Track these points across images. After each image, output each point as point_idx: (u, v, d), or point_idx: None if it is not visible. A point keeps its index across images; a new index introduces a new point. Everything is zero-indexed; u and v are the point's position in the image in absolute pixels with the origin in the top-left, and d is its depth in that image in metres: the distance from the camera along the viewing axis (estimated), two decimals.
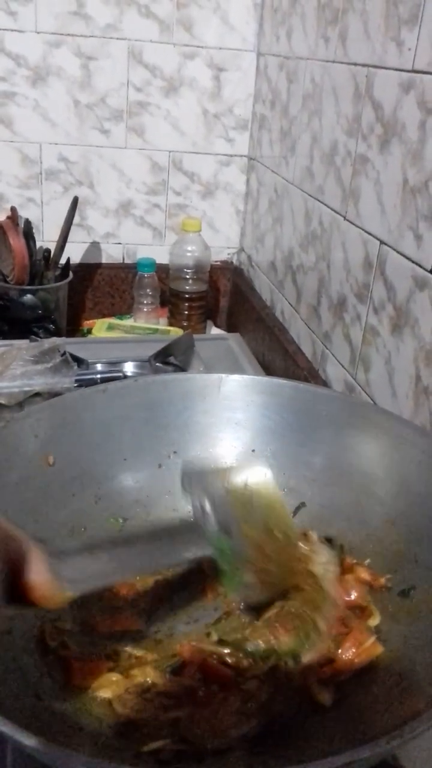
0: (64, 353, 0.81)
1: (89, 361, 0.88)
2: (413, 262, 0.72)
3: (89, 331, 1.23)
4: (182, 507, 0.60)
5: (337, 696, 0.44)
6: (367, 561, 0.52)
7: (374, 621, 0.48)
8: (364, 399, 0.81)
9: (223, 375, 0.60)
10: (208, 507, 0.47)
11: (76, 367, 0.81)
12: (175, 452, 0.60)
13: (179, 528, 0.53)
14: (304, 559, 0.51)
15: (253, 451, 0.60)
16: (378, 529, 0.52)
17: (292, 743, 0.41)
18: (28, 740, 0.31)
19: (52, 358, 0.80)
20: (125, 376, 0.85)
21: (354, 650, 0.45)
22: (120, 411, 0.59)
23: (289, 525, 0.51)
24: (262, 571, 0.48)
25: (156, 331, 1.19)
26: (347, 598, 0.49)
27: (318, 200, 0.98)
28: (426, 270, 0.70)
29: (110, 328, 1.19)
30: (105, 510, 0.57)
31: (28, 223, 1.17)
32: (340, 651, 0.46)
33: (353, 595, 0.49)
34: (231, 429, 0.60)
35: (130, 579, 0.51)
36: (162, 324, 1.27)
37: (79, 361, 0.86)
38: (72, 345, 0.93)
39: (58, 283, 1.18)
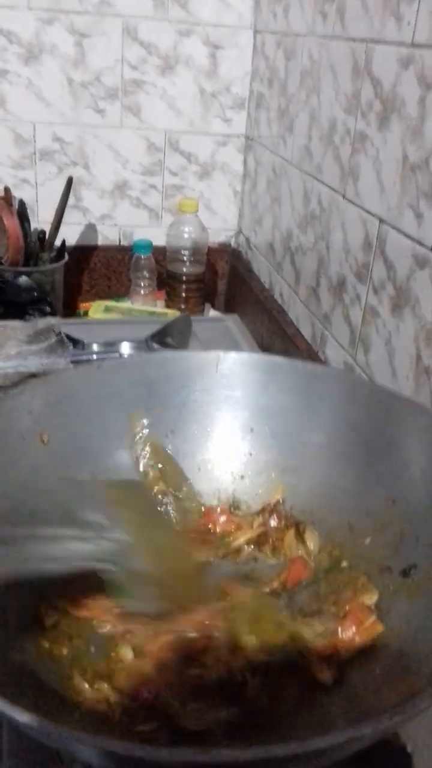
0: (59, 333, 0.80)
1: (85, 341, 0.87)
2: (414, 240, 0.71)
3: (86, 314, 1.22)
4: (179, 486, 0.59)
5: (338, 675, 0.44)
6: (368, 540, 0.51)
7: (372, 599, 0.47)
8: (363, 377, 0.80)
9: (221, 352, 0.59)
10: (103, 519, 0.46)
11: (71, 347, 0.80)
12: (172, 431, 0.59)
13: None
14: None
15: (252, 429, 0.60)
16: (379, 508, 0.51)
17: (290, 723, 0.41)
18: (21, 716, 0.30)
19: (47, 339, 0.79)
20: (121, 357, 0.84)
21: (354, 629, 0.45)
22: (116, 388, 0.58)
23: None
24: (154, 583, 0.47)
25: (153, 313, 1.18)
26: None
27: (317, 179, 0.97)
28: (427, 248, 0.69)
29: (107, 310, 1.18)
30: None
31: (22, 203, 1.16)
32: (340, 629, 0.45)
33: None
34: (229, 407, 0.59)
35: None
36: (159, 307, 1.25)
37: (74, 342, 0.85)
38: (68, 326, 0.92)
39: (54, 265, 1.17)
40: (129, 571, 0.45)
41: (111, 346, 0.87)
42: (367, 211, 0.82)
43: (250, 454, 0.59)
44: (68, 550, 0.45)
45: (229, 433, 0.60)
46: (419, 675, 0.39)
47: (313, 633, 0.45)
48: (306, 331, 1.01)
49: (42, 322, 0.79)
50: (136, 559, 0.46)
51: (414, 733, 0.43)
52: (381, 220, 0.78)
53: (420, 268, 0.71)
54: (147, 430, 0.58)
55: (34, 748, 0.43)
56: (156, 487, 0.57)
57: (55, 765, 0.41)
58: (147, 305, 1.23)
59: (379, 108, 0.79)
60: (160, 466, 0.58)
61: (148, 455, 0.58)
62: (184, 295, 1.23)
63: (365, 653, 0.45)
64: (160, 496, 0.57)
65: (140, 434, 0.58)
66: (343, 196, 0.88)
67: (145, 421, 0.58)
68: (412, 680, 0.39)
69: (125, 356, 0.84)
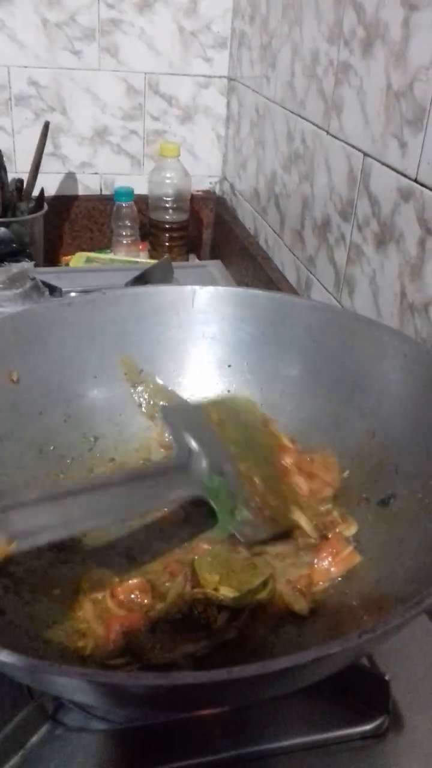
0: (34, 279, 0.77)
1: (63, 289, 0.85)
2: (398, 172, 0.69)
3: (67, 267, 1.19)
4: (157, 425, 0.58)
5: (315, 606, 0.43)
6: (346, 473, 0.50)
7: (351, 530, 0.46)
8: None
9: (197, 287, 0.57)
10: (195, 445, 0.45)
11: (47, 293, 0.78)
12: (148, 370, 0.57)
13: (158, 470, 0.49)
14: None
15: (229, 366, 0.58)
16: (357, 440, 0.50)
17: (263, 654, 0.40)
18: None
19: (22, 285, 0.77)
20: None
21: (330, 559, 0.44)
22: (88, 326, 0.55)
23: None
24: (260, 507, 0.46)
25: (136, 264, 1.15)
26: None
27: (300, 116, 0.93)
28: (411, 179, 0.66)
29: (88, 261, 1.15)
30: (75, 429, 0.55)
31: None
32: (315, 560, 0.44)
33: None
34: (206, 344, 0.57)
35: (94, 528, 0.46)
36: (143, 258, 1.22)
37: (51, 289, 0.82)
38: (46, 275, 0.89)
39: (33, 215, 1.13)
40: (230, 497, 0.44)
41: (89, 293, 0.84)
42: (351, 145, 0.79)
43: (228, 391, 0.58)
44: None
45: (206, 369, 0.58)
46: (395, 601, 0.38)
47: (284, 566, 0.44)
48: (291, 277, 0.99)
49: (16, 267, 0.77)
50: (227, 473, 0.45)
51: (391, 662, 0.42)
52: (365, 154, 0.75)
53: (404, 201, 0.68)
54: (143, 372, 0.57)
55: (2, 688, 0.42)
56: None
57: (25, 702, 0.40)
58: (130, 256, 1.20)
59: (362, 35, 0.75)
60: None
61: (148, 396, 0.56)
62: (167, 244, 1.20)
63: (343, 583, 0.44)
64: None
65: (139, 379, 0.57)
66: (327, 132, 0.85)
67: (141, 367, 0.57)
68: (388, 606, 0.38)
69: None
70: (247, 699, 0.35)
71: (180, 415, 0.50)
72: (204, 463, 0.45)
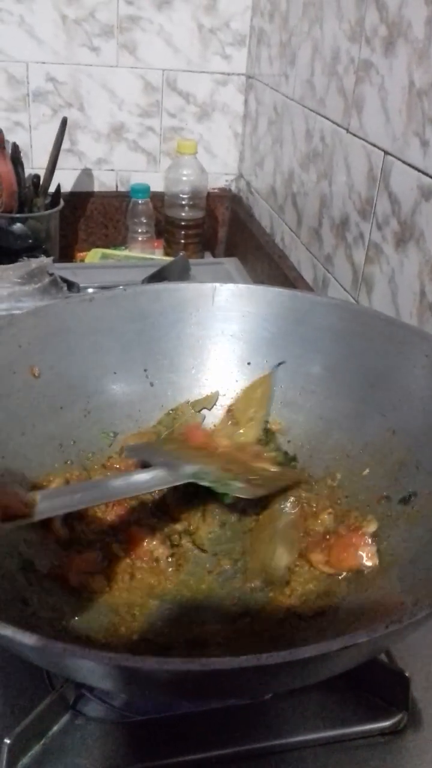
0: (53, 274, 0.78)
1: (80, 285, 0.85)
2: (419, 170, 0.69)
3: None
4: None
5: (333, 602, 0.43)
6: (366, 471, 0.50)
7: (371, 528, 0.46)
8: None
9: (217, 284, 0.57)
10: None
11: (65, 288, 0.78)
12: (167, 366, 0.58)
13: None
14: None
15: (249, 363, 0.58)
16: (378, 439, 0.50)
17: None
18: (29, 640, 0.29)
19: (41, 280, 0.77)
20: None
21: (348, 555, 0.44)
22: (108, 322, 0.56)
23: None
24: (249, 480, 0.49)
25: (152, 261, 1.15)
26: None
27: (319, 114, 0.93)
28: None
29: (104, 257, 1.15)
30: (95, 424, 0.55)
31: (15, 147, 1.12)
32: (333, 554, 0.44)
33: None
34: (226, 341, 0.58)
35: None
36: (158, 255, 1.23)
37: (69, 285, 0.83)
38: (63, 270, 0.90)
39: (49, 211, 1.14)
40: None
41: (106, 289, 0.85)
42: (372, 144, 0.78)
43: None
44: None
45: (225, 367, 0.58)
46: (417, 600, 0.38)
47: None
48: (308, 275, 0.99)
49: (35, 262, 0.77)
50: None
51: (409, 659, 0.43)
52: (385, 152, 0.75)
53: (425, 200, 0.68)
54: None
55: (23, 678, 0.42)
56: None
57: (46, 692, 0.41)
58: (145, 253, 1.21)
59: (384, 33, 0.75)
60: None
61: None
62: (183, 241, 1.20)
63: (363, 580, 0.44)
64: None
65: None
66: (347, 130, 0.85)
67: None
68: (410, 604, 0.38)
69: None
70: (270, 689, 0.35)
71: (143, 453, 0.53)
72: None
